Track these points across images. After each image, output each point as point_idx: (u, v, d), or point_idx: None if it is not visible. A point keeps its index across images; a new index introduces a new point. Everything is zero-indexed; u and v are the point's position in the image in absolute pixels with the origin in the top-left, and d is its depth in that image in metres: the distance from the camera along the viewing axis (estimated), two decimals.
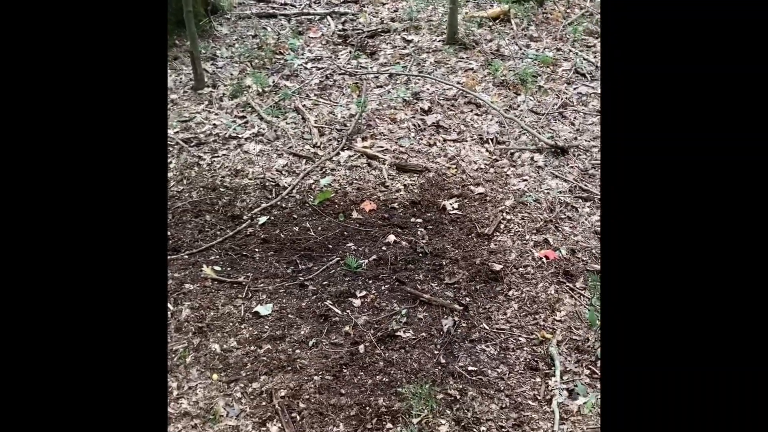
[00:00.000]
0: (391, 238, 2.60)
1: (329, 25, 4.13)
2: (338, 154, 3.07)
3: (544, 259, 2.47)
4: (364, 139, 3.18)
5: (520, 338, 2.15)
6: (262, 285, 2.39)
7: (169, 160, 2.99)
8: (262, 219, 2.69)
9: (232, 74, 3.59)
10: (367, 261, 2.48)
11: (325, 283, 2.39)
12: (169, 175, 2.91)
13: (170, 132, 3.16)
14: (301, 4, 4.32)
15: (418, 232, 2.64)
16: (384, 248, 2.55)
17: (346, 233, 2.64)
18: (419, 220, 2.70)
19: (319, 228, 2.66)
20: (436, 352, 2.10)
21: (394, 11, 4.33)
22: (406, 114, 3.36)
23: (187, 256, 2.50)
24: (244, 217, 2.70)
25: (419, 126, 3.28)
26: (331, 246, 2.57)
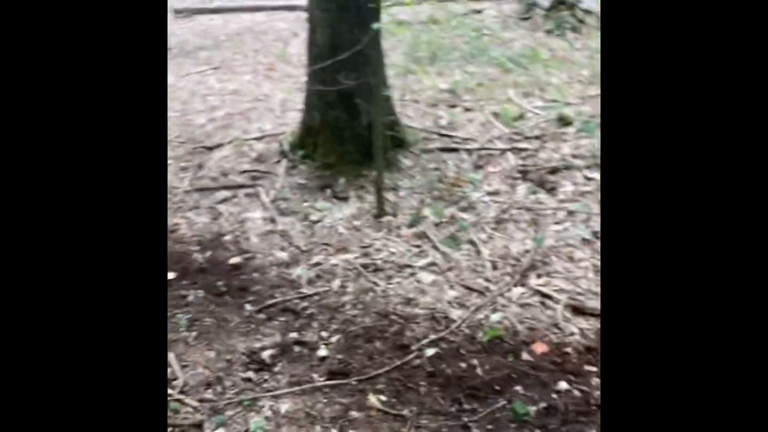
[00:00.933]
0: (563, 385, 2.46)
1: (509, 160, 4.21)
2: (511, 290, 3.03)
3: None
4: (538, 276, 3.12)
5: None
6: (425, 421, 2.34)
7: (346, 285, 3.12)
8: (430, 351, 2.68)
9: (412, 204, 3.75)
10: (535, 408, 2.36)
11: (489, 427, 2.29)
12: (346, 299, 3.03)
13: (350, 257, 3.33)
14: (482, 140, 4.47)
15: (593, 382, 2.47)
16: (554, 396, 2.42)
17: (514, 375, 2.54)
18: (594, 369, 2.54)
19: (487, 366, 2.59)
20: None
21: (576, 148, 4.33)
22: (584, 253, 3.26)
23: (355, 382, 2.54)
24: (413, 348, 2.71)
25: (598, 267, 3.16)
26: (498, 387, 2.49)
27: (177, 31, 8.38)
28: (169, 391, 2.48)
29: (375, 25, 3.25)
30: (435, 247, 3.37)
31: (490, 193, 3.84)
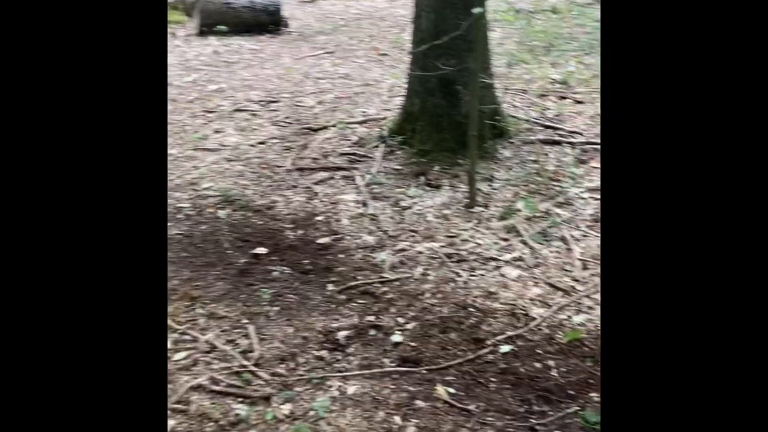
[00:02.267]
0: None
1: None
2: (599, 292, 2.88)
3: None
4: None
5: None
6: (490, 418, 2.28)
7: (428, 273, 3.10)
8: (505, 348, 2.61)
9: (505, 196, 3.65)
10: None
11: None
12: (427, 287, 3.00)
13: (436, 245, 3.29)
14: (589, 134, 4.27)
15: None
16: None
17: (591, 381, 2.42)
18: None
19: (563, 369, 2.49)
20: None
21: None
22: None
23: (425, 371, 2.52)
24: (488, 342, 2.65)
25: None
26: (572, 392, 2.38)
27: (299, 15, 8.62)
28: (245, 362, 2.56)
29: (476, 9, 3.16)
30: (524, 242, 3.27)
31: (590, 190, 3.67)
